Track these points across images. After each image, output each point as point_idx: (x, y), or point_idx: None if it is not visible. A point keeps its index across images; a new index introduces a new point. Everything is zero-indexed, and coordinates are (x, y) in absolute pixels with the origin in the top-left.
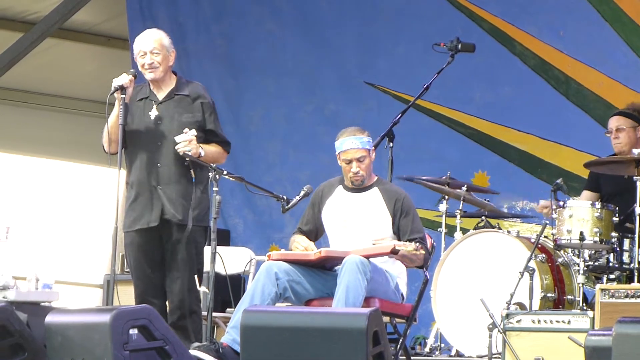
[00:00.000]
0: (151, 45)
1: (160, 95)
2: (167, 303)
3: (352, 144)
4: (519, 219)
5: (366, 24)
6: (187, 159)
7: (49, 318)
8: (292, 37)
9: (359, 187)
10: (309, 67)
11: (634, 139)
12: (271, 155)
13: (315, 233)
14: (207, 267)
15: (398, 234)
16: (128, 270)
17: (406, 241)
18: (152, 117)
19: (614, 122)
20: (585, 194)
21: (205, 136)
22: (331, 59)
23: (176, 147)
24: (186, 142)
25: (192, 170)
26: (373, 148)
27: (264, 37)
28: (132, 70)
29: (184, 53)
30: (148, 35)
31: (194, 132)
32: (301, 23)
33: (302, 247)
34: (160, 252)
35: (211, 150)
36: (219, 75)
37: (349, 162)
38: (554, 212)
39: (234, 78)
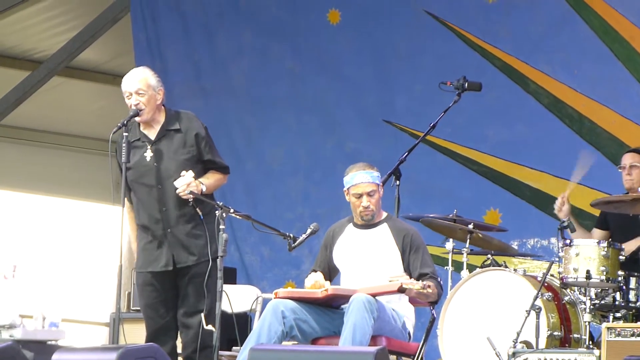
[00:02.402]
0: (135, 86)
1: (152, 134)
2: (176, 342)
3: (363, 178)
4: (528, 257)
5: (383, 62)
6: (190, 200)
7: (56, 357)
8: (312, 74)
9: (368, 224)
10: (328, 104)
11: None
12: (293, 192)
13: (329, 274)
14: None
15: (408, 269)
16: (135, 308)
17: (417, 276)
18: (148, 160)
19: (629, 158)
20: (595, 232)
21: (204, 165)
22: (350, 96)
23: (177, 192)
24: (185, 185)
25: (197, 209)
26: (381, 184)
27: (284, 74)
28: (134, 108)
29: (200, 91)
30: (133, 75)
31: (191, 173)
32: (320, 61)
33: (311, 282)
34: (173, 292)
35: (211, 181)
36: (237, 113)
37: (360, 196)
38: (560, 250)
39: (254, 115)
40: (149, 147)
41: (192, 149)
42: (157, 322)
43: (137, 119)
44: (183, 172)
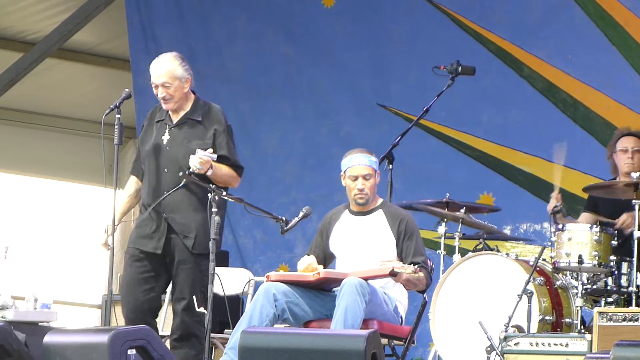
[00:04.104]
0: (161, 79)
1: (175, 118)
2: (155, 323)
3: (360, 161)
4: (521, 241)
5: (378, 46)
6: (188, 174)
7: (47, 338)
8: (306, 59)
9: (363, 210)
10: (323, 89)
11: None
12: (288, 177)
13: (324, 260)
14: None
15: (401, 256)
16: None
17: (408, 264)
18: (165, 142)
19: (632, 142)
20: (585, 215)
21: (219, 161)
22: (345, 81)
23: (190, 157)
24: (203, 160)
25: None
26: (378, 171)
27: (278, 59)
28: (127, 90)
29: (194, 75)
30: (159, 66)
31: (214, 157)
32: (315, 46)
33: (304, 265)
34: (158, 273)
35: (222, 170)
36: (232, 98)
37: (355, 178)
38: (553, 234)
39: (249, 101)
40: (167, 130)
41: (209, 142)
42: (138, 299)
43: (163, 107)
44: (210, 149)
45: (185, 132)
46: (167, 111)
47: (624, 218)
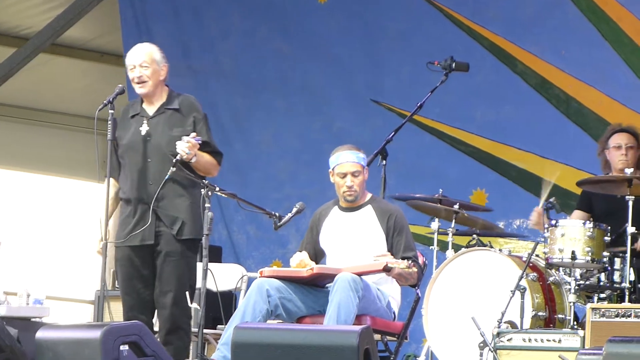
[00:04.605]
0: (141, 58)
1: (151, 110)
2: (153, 320)
3: (348, 158)
4: (514, 237)
5: (372, 42)
6: (175, 163)
7: (40, 334)
8: (300, 55)
9: (352, 206)
10: (316, 84)
11: (637, 160)
12: (281, 173)
13: (315, 256)
14: (198, 283)
15: (391, 251)
16: (119, 286)
17: (399, 259)
18: (143, 133)
19: (625, 139)
20: (577, 213)
21: (199, 148)
22: (339, 77)
23: (177, 144)
24: (191, 143)
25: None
26: (367, 167)
27: (272, 55)
28: (120, 85)
29: (188, 71)
30: (138, 48)
31: (200, 140)
32: (309, 41)
33: (296, 262)
34: (152, 268)
35: (204, 158)
36: (226, 93)
37: (344, 175)
38: (546, 230)
39: (242, 96)
40: (145, 121)
41: (189, 129)
42: (134, 298)
43: (138, 91)
44: (193, 134)
45: (164, 121)
46: (142, 105)
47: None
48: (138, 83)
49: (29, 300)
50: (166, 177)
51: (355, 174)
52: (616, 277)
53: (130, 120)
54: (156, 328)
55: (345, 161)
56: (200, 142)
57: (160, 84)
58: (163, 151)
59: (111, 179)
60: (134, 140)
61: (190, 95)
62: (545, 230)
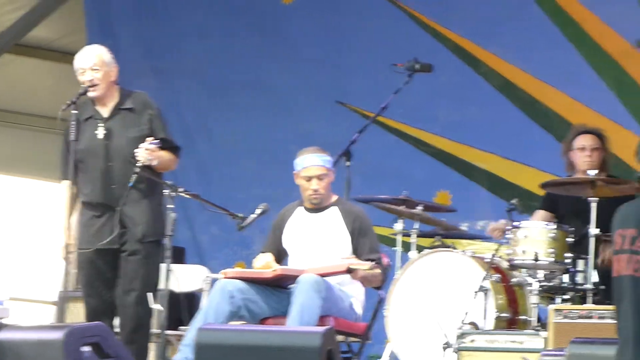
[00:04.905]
0: (91, 61)
1: (104, 111)
2: (113, 323)
3: (313, 161)
4: (478, 238)
5: (337, 43)
6: (137, 170)
7: (1, 335)
8: (265, 55)
9: (318, 207)
10: (281, 85)
11: (601, 161)
12: (246, 173)
13: (278, 256)
14: (161, 284)
15: (356, 252)
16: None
17: (364, 261)
18: (100, 136)
19: (589, 140)
20: (540, 213)
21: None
22: (304, 78)
23: (136, 152)
24: (150, 149)
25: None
26: (333, 169)
27: (237, 55)
28: (84, 85)
29: (153, 70)
30: (87, 51)
31: (158, 142)
32: (274, 42)
33: (260, 263)
34: (115, 270)
35: (164, 157)
36: (190, 93)
37: (309, 179)
38: (508, 232)
39: (207, 96)
40: (101, 124)
41: (145, 127)
42: (97, 300)
43: (90, 94)
44: (149, 139)
45: (120, 122)
46: (94, 107)
47: (604, 255)
48: (90, 87)
49: None
50: (130, 184)
51: (321, 177)
52: (579, 278)
53: (84, 123)
54: (116, 329)
55: (311, 164)
56: (159, 145)
57: (112, 85)
58: (123, 153)
59: (66, 182)
60: (92, 144)
61: (142, 91)
62: (507, 233)
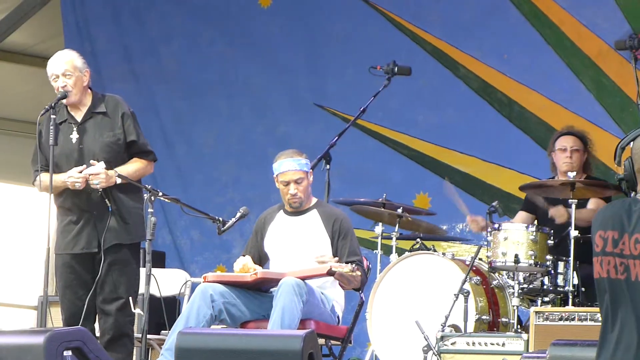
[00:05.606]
0: (62, 67)
1: (78, 115)
2: (94, 327)
3: (290, 166)
4: (458, 240)
5: (315, 46)
6: (99, 190)
7: None
8: (243, 58)
9: (298, 210)
10: (259, 88)
11: (582, 163)
12: (224, 176)
13: (259, 260)
14: (141, 289)
15: (336, 255)
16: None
17: (343, 263)
18: (74, 141)
19: (570, 142)
20: (521, 214)
21: (129, 150)
22: (281, 80)
23: (90, 183)
24: (98, 177)
25: (107, 200)
26: (311, 171)
27: (215, 58)
28: (62, 90)
29: (130, 74)
30: (59, 58)
31: (101, 164)
32: (251, 45)
33: (239, 266)
34: (93, 274)
35: (132, 170)
36: (168, 97)
37: (287, 184)
38: (488, 234)
39: (185, 99)
40: (74, 128)
41: (119, 132)
42: (76, 304)
43: (63, 101)
44: (93, 161)
45: (94, 127)
46: (67, 111)
47: (558, 210)
48: (68, 92)
49: None
50: (98, 194)
51: (299, 181)
52: (560, 280)
53: (57, 127)
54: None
55: (287, 169)
56: (104, 166)
57: (85, 89)
58: (97, 157)
59: (43, 175)
60: (66, 148)
61: (116, 95)
62: (488, 234)
